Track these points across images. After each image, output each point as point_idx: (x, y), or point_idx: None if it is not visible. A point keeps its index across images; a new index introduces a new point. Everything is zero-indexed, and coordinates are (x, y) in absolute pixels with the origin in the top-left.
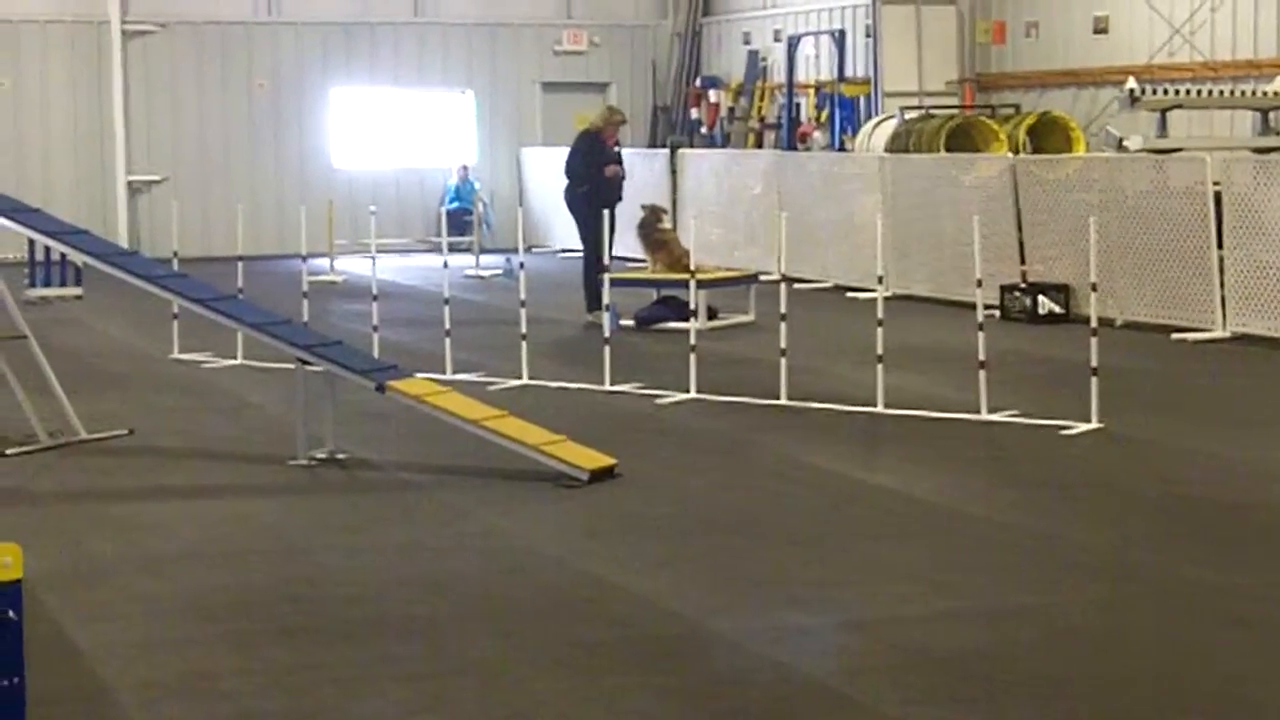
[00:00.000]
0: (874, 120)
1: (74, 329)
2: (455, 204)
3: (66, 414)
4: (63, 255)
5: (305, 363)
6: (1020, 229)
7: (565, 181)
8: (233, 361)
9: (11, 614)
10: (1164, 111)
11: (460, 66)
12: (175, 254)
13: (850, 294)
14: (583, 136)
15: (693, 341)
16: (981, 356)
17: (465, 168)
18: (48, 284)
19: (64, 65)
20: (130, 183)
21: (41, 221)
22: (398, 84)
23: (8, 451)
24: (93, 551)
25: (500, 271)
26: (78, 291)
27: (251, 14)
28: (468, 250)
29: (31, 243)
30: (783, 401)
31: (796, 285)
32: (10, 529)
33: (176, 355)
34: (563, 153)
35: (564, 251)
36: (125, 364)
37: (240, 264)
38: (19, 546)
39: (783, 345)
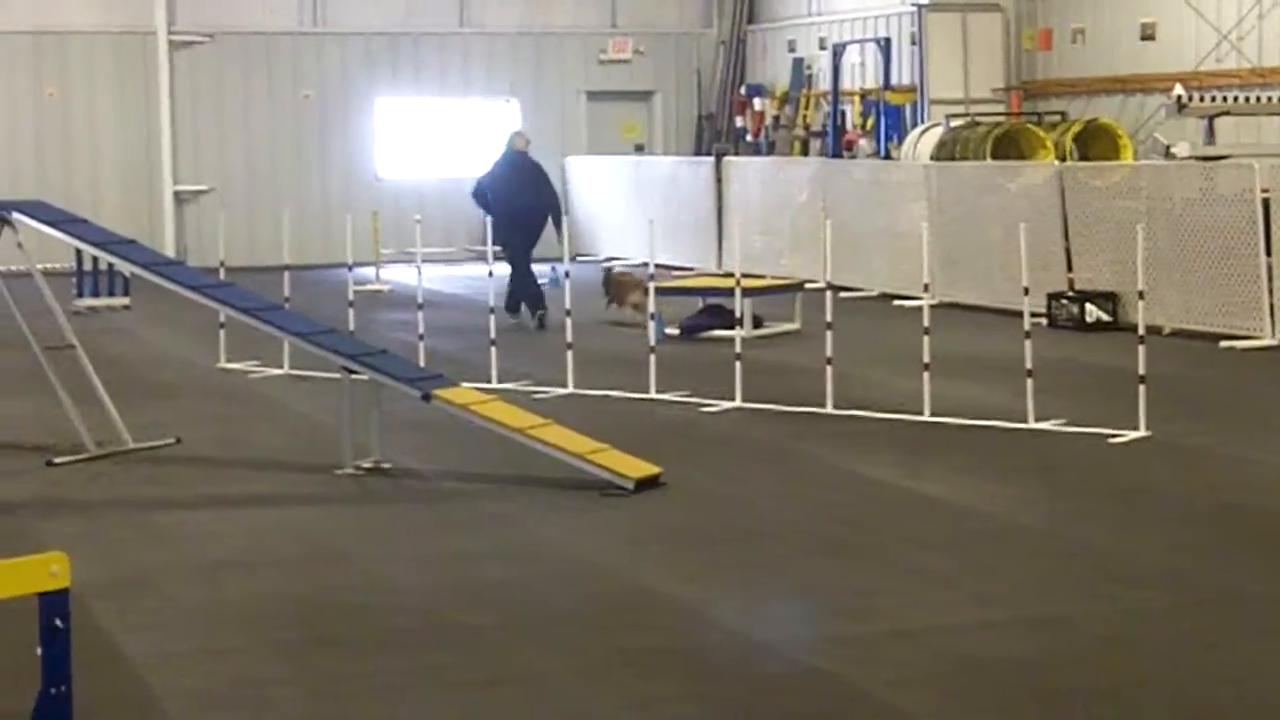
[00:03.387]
0: (920, 128)
1: (121, 338)
2: None
3: (114, 423)
4: (110, 265)
5: (351, 372)
6: (1067, 236)
7: (539, 199)
8: (279, 371)
9: (59, 622)
10: (1212, 118)
11: (504, 76)
12: (222, 263)
13: (896, 302)
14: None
15: (738, 350)
16: (1028, 365)
17: None
18: (95, 294)
19: (111, 76)
20: (177, 193)
21: (90, 232)
22: (442, 94)
23: (56, 460)
24: (140, 560)
25: (545, 280)
26: (125, 301)
27: (297, 25)
28: None
29: (79, 253)
30: (828, 410)
31: (842, 293)
32: (59, 538)
33: (223, 364)
34: (608, 161)
35: (610, 260)
36: (172, 373)
37: (286, 273)
38: (66, 555)
39: (828, 353)
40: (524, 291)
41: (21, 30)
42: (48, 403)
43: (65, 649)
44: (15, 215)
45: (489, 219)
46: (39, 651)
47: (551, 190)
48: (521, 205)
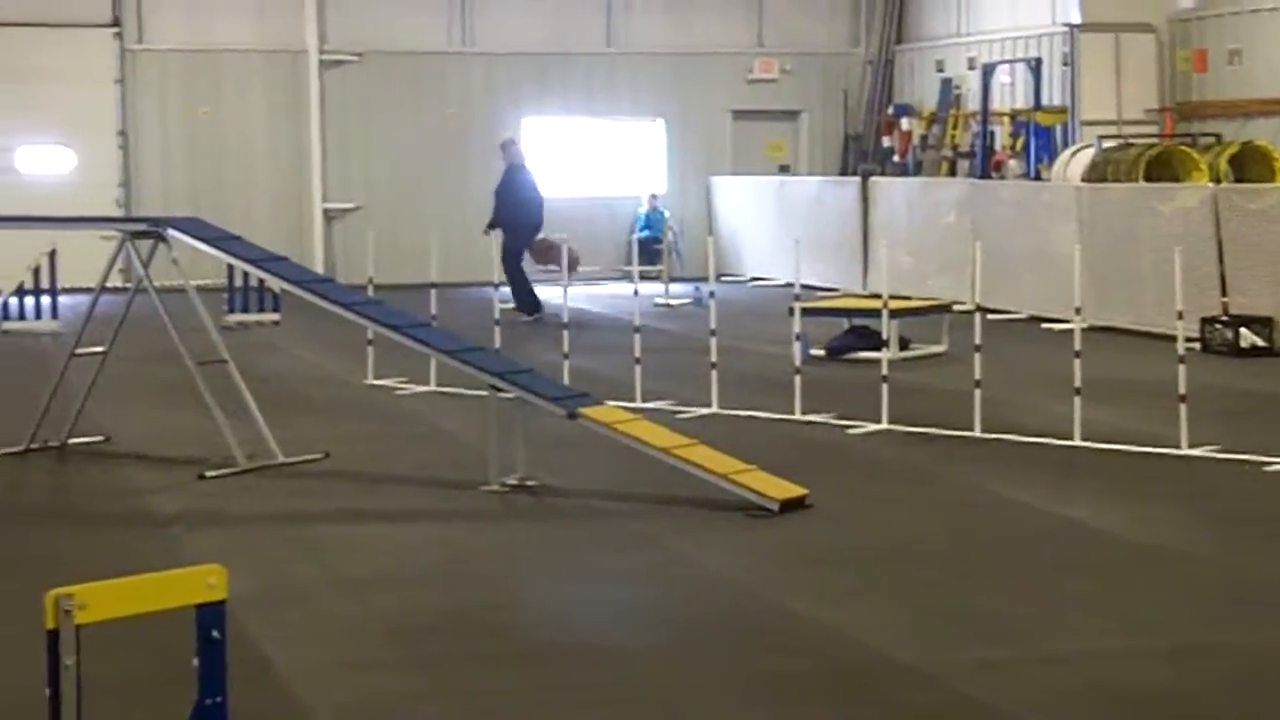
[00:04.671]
0: (1071, 149)
1: (271, 354)
2: (645, 232)
3: (264, 437)
4: (261, 281)
5: (497, 389)
6: (1222, 260)
7: (535, 207)
8: (425, 388)
9: (216, 634)
10: None
11: (651, 95)
12: (370, 281)
13: (1045, 325)
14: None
15: (884, 371)
16: (1181, 390)
17: (654, 196)
18: (246, 310)
19: (263, 94)
20: (326, 210)
21: (242, 249)
22: (588, 114)
23: (207, 474)
24: (289, 573)
25: (690, 300)
26: (275, 317)
27: (446, 45)
28: (657, 279)
29: (231, 269)
30: (976, 433)
31: (990, 315)
32: (210, 550)
33: (370, 380)
34: (753, 181)
35: (755, 280)
36: (321, 389)
37: (433, 291)
38: (223, 568)
39: (977, 376)
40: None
41: (175, 49)
42: (200, 416)
43: (221, 660)
44: (170, 232)
45: (505, 230)
46: (195, 662)
47: None
48: (538, 209)
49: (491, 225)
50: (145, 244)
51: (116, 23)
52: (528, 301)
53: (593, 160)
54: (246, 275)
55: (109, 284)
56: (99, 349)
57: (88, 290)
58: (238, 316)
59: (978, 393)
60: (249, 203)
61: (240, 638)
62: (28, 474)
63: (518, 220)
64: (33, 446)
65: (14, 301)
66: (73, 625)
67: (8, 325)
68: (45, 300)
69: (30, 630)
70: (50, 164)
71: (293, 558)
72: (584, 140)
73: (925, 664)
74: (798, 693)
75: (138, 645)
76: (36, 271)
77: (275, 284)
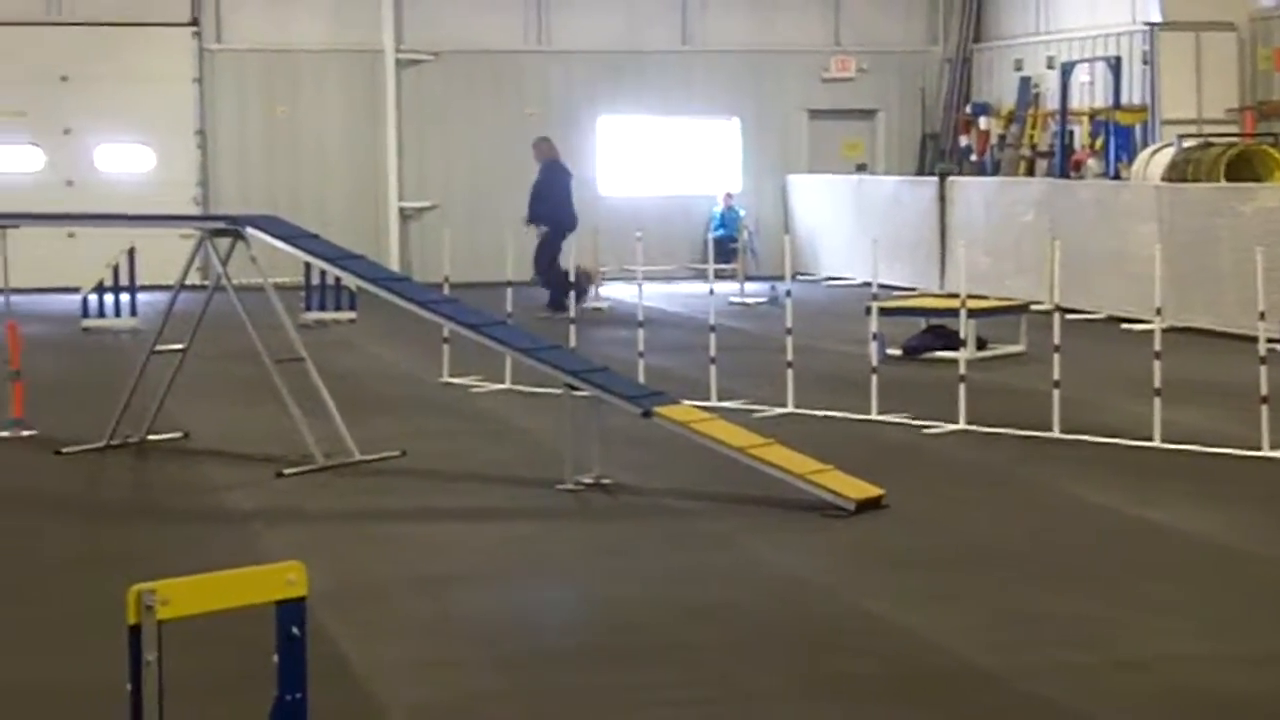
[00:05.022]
0: (1150, 148)
1: (348, 352)
2: (720, 231)
3: (341, 435)
4: (337, 279)
5: (573, 388)
6: None
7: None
8: (501, 386)
9: (295, 630)
10: None
11: (726, 94)
12: (446, 279)
13: (1124, 325)
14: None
15: (962, 371)
16: (1264, 391)
17: (730, 195)
18: (323, 308)
19: (340, 94)
20: (401, 209)
21: (320, 247)
22: (664, 112)
23: (285, 471)
24: (365, 570)
25: (765, 299)
26: (351, 315)
27: (522, 44)
28: (732, 277)
29: (308, 267)
30: (1055, 434)
31: (1069, 316)
32: (287, 547)
33: (446, 379)
34: (830, 180)
35: (830, 280)
36: (397, 387)
37: (509, 289)
38: (303, 565)
39: (1056, 376)
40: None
41: (252, 49)
42: (277, 414)
43: (301, 657)
44: (249, 230)
45: (546, 227)
46: (275, 659)
47: None
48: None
49: (534, 221)
50: (224, 242)
51: (195, 23)
52: (561, 300)
53: (668, 159)
54: (324, 273)
55: (187, 282)
56: (178, 346)
57: (165, 288)
58: (315, 314)
59: (1056, 393)
60: (325, 201)
61: (317, 634)
62: (107, 470)
63: (560, 218)
64: (113, 443)
65: (94, 299)
66: (154, 621)
67: (88, 323)
68: (124, 298)
69: (111, 625)
70: (129, 163)
71: (369, 555)
72: (659, 139)
73: (1001, 667)
74: (871, 694)
75: (216, 641)
76: (116, 269)
77: (352, 282)
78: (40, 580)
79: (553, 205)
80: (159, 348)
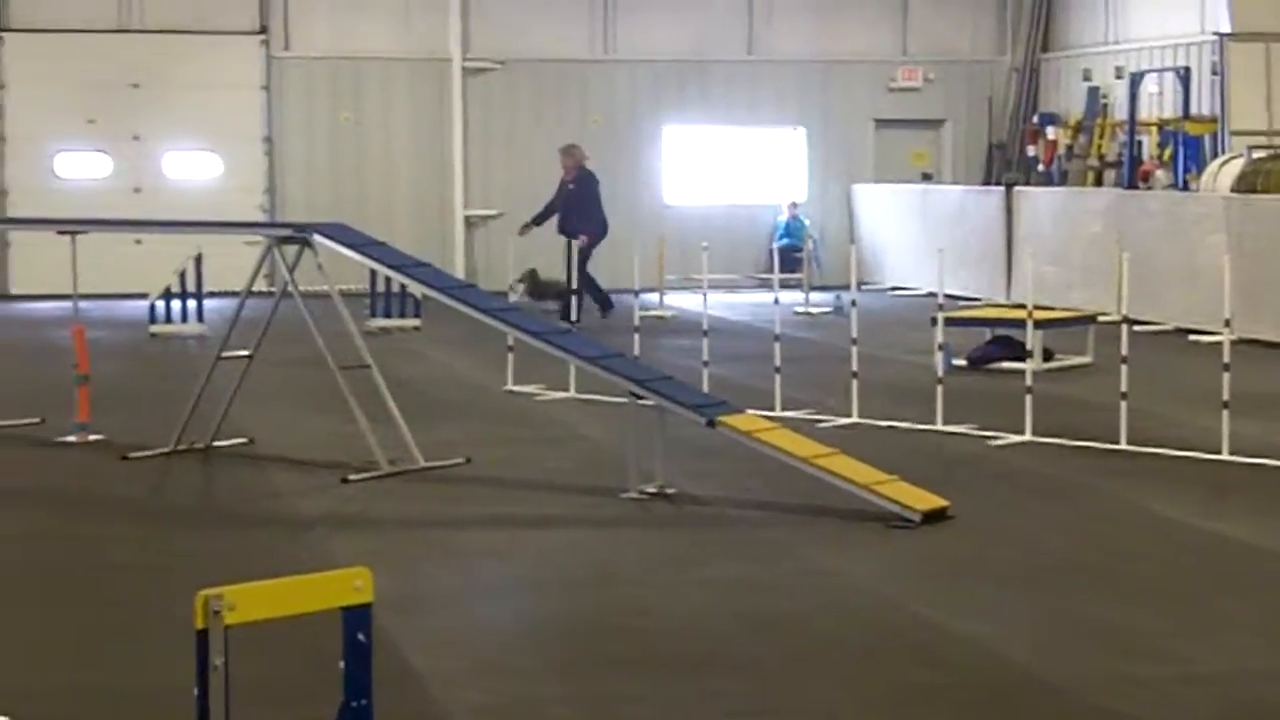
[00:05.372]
0: (1220, 159)
1: (412, 359)
2: (785, 241)
3: (406, 442)
4: (403, 287)
5: (637, 396)
6: None
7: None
8: (565, 394)
9: (361, 636)
10: None
11: (793, 103)
12: (510, 287)
13: (1192, 337)
14: None
15: (1028, 382)
16: None
17: (795, 204)
18: (388, 315)
19: (406, 101)
20: (467, 217)
21: (386, 255)
22: (730, 121)
23: (350, 478)
24: (429, 577)
25: (830, 309)
26: (416, 323)
27: (588, 52)
28: (797, 287)
29: (374, 274)
30: (1122, 446)
31: (1136, 327)
32: (352, 553)
33: (510, 386)
34: (895, 190)
35: (895, 289)
36: (461, 394)
37: (574, 298)
38: (370, 571)
39: (1123, 388)
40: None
41: (320, 56)
42: (342, 420)
43: (367, 663)
44: (316, 237)
45: (587, 238)
46: (341, 665)
47: None
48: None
49: (577, 232)
50: (291, 249)
51: (264, 30)
52: (604, 299)
53: (733, 168)
54: (389, 281)
55: (253, 288)
56: (244, 352)
57: (232, 294)
58: (380, 321)
59: (1124, 405)
60: (391, 209)
61: (381, 640)
62: (173, 475)
63: (595, 227)
64: (179, 448)
65: (161, 305)
66: (221, 626)
67: (155, 328)
68: (191, 304)
69: (178, 630)
70: (197, 170)
71: (433, 562)
72: (724, 148)
73: (1068, 679)
74: (937, 705)
75: (279, 647)
76: (183, 276)
77: (417, 289)
78: (107, 584)
79: (591, 215)
80: (225, 354)
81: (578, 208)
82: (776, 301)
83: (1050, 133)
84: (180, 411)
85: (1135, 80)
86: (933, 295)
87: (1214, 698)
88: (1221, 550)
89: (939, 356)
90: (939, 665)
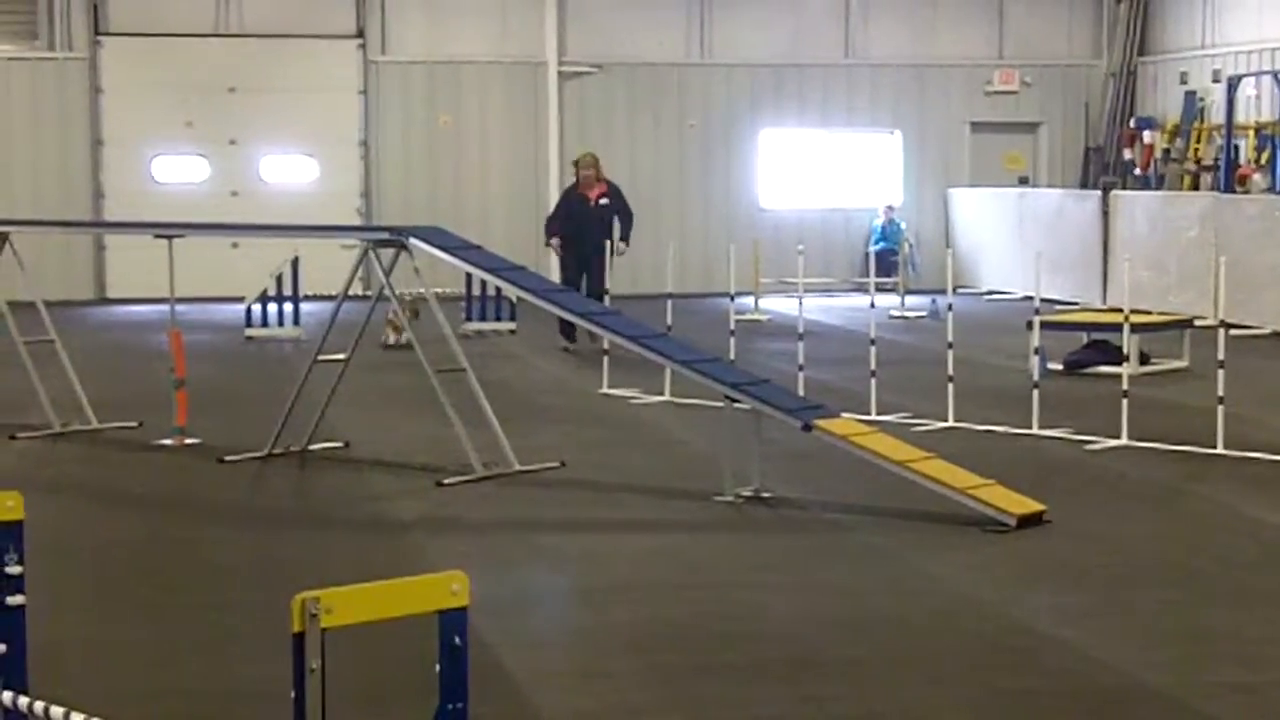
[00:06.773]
0: None
1: (507, 363)
2: (881, 244)
3: (501, 445)
4: (498, 290)
5: (733, 400)
6: None
7: None
8: (660, 398)
9: (458, 640)
10: None
11: (888, 107)
12: (605, 291)
13: None
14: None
15: (1125, 386)
16: None
17: (891, 208)
18: (483, 318)
19: (503, 105)
20: None
21: (483, 258)
22: (826, 125)
23: (446, 481)
24: (524, 580)
25: (925, 313)
26: (511, 326)
27: (684, 56)
28: (893, 291)
29: (469, 277)
30: (1220, 450)
31: (1233, 331)
32: (447, 557)
33: (605, 390)
34: (991, 193)
35: (991, 294)
36: (556, 398)
37: (669, 301)
38: (466, 574)
39: (1220, 392)
40: None
41: (417, 60)
42: (437, 424)
43: (463, 666)
44: (412, 241)
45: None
46: (437, 668)
47: None
48: None
49: (623, 238)
50: (387, 253)
51: (361, 34)
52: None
53: (829, 172)
54: (484, 284)
55: (349, 292)
56: (340, 356)
57: (328, 298)
58: (475, 325)
59: (1221, 409)
60: (487, 212)
61: (476, 643)
62: (270, 478)
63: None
64: (275, 451)
65: (257, 308)
66: (318, 629)
67: (251, 331)
68: (288, 307)
69: (275, 632)
70: (294, 174)
71: (528, 565)
72: (820, 152)
73: (1170, 685)
74: (1038, 711)
75: (376, 650)
76: (279, 279)
77: (513, 293)
78: (204, 587)
79: (626, 226)
80: (321, 357)
81: (628, 220)
82: (872, 305)
83: (1147, 136)
84: (276, 415)
85: (1232, 84)
86: (1028, 299)
87: None
88: None
89: (1035, 360)
90: (1037, 671)
